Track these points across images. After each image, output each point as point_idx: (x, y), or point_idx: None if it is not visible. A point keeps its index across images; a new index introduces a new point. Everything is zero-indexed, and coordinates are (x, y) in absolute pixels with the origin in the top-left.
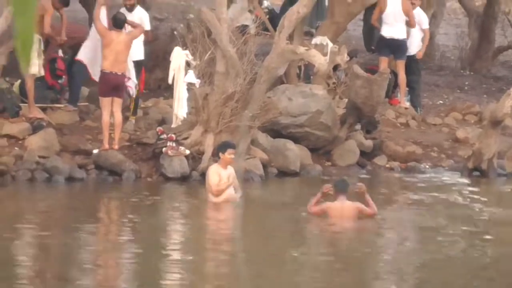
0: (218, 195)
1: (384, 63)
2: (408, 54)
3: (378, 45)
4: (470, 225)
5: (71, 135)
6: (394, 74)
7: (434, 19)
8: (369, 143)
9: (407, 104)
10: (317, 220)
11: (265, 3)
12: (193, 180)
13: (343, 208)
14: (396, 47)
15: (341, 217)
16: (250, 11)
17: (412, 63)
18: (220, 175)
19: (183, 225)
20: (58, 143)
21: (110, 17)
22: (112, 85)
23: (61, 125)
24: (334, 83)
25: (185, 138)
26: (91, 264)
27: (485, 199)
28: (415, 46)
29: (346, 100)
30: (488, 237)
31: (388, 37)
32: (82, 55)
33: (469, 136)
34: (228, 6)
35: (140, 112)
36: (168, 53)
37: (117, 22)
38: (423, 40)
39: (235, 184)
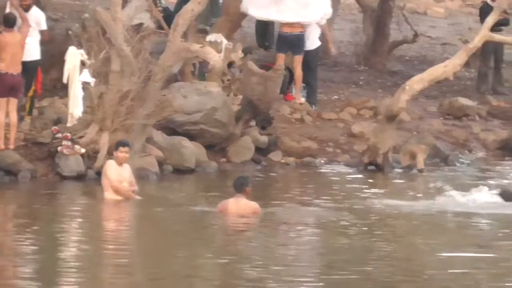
0: (115, 191)
1: (280, 59)
2: (305, 49)
3: (276, 42)
4: (365, 218)
5: None
6: (289, 70)
7: None
8: (264, 139)
9: (302, 99)
10: (212, 217)
11: (160, 2)
12: (88, 178)
13: (238, 205)
14: (294, 43)
15: (237, 214)
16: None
17: (309, 59)
18: (117, 172)
19: (79, 223)
20: None
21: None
22: (8, 85)
23: None
24: (229, 80)
25: (81, 137)
26: None
27: (380, 193)
28: (312, 42)
29: (241, 96)
30: (382, 229)
31: (286, 33)
32: None
33: (365, 130)
34: (123, 6)
35: (35, 112)
36: (64, 53)
37: (9, 22)
38: (320, 36)
39: (131, 181)
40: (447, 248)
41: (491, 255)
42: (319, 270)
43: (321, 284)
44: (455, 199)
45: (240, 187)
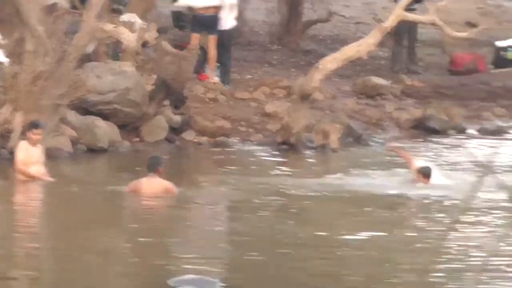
0: (24, 172)
1: (195, 39)
2: (220, 29)
3: (192, 22)
4: (278, 198)
5: None
6: (204, 50)
7: None
8: (177, 118)
9: (216, 79)
10: (125, 197)
11: None
12: (2, 158)
13: (151, 185)
14: (208, 24)
15: (150, 194)
16: None
17: (224, 39)
18: (29, 152)
19: None
20: None
21: None
22: None
23: None
24: (143, 60)
25: None
26: None
27: (293, 172)
28: (227, 22)
29: (155, 76)
30: (292, 210)
31: (201, 14)
32: None
33: (278, 110)
34: None
35: None
36: None
37: None
38: (237, 16)
39: (40, 162)
40: (358, 228)
41: (409, 234)
42: (227, 251)
43: (227, 266)
44: (367, 178)
45: (152, 167)
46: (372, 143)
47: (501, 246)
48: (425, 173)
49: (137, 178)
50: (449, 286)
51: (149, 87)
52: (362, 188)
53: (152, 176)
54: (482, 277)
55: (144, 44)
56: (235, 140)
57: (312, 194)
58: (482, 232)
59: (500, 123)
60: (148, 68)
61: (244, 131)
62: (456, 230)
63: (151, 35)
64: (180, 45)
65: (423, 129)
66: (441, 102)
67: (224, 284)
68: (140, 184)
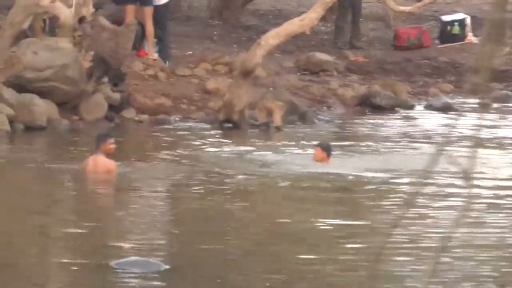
0: None
1: (130, 13)
2: (155, 4)
3: None
4: (218, 177)
5: None
6: (142, 25)
7: None
8: (116, 96)
9: (156, 55)
10: (67, 175)
11: None
12: None
13: (95, 163)
14: None
15: (93, 172)
16: None
17: (159, 14)
18: None
19: None
20: None
21: None
22: None
23: None
24: (80, 36)
25: None
26: None
27: (236, 151)
28: None
29: (93, 53)
30: (235, 190)
31: None
32: None
33: (220, 87)
34: None
35: None
36: None
37: None
38: None
39: None
40: (295, 212)
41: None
42: (170, 233)
43: (170, 248)
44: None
45: (96, 144)
46: (317, 121)
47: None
48: (323, 148)
49: (75, 157)
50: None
51: (87, 64)
52: (308, 169)
53: (98, 155)
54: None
55: (81, 20)
56: (177, 118)
57: (257, 174)
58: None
59: (447, 99)
60: (86, 45)
61: (186, 109)
62: None
63: (87, 10)
64: (118, 21)
65: (369, 106)
66: (386, 78)
67: (167, 266)
68: (87, 162)
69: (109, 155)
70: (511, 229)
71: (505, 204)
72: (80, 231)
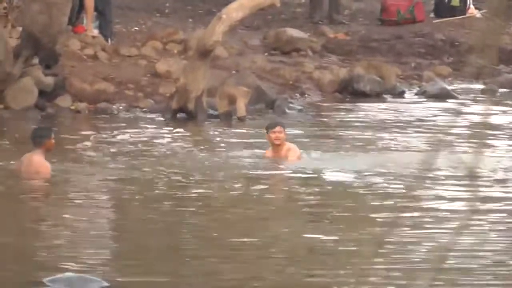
0: None
1: None
2: None
3: None
4: (170, 181)
5: None
6: None
7: None
8: (49, 80)
9: (95, 32)
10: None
11: None
12: None
13: (29, 163)
14: None
15: (26, 172)
16: None
17: None
18: None
19: None
20: None
21: None
22: None
23: None
24: (5, 8)
25: None
26: None
27: (191, 147)
28: None
29: (21, 28)
30: (184, 195)
31: None
32: None
33: (172, 69)
34: None
35: None
36: None
37: None
38: None
39: None
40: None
41: None
42: (110, 246)
43: (111, 262)
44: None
45: (35, 140)
46: (288, 110)
47: None
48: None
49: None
50: None
51: (14, 42)
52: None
53: (36, 152)
54: None
55: None
56: (121, 107)
57: (215, 173)
58: None
59: (444, 84)
60: (12, 19)
61: (131, 96)
62: None
63: None
64: None
65: (351, 93)
66: (371, 59)
67: (107, 284)
68: (21, 162)
69: (49, 151)
70: None
71: None
72: (6, 242)
